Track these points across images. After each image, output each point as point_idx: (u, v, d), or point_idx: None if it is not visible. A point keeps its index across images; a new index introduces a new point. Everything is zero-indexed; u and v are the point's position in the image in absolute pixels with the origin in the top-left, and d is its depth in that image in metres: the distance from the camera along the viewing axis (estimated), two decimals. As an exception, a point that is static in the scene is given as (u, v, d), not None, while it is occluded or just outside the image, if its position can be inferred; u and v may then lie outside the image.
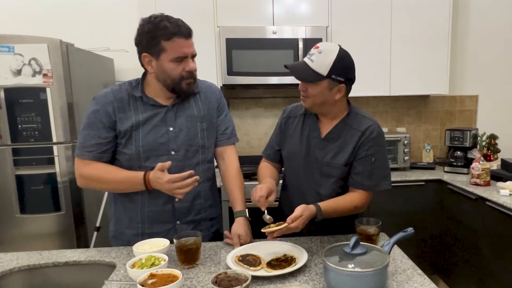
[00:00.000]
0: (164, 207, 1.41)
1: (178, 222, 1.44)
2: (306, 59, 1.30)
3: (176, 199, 1.41)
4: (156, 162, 1.34)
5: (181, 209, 1.43)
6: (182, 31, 1.28)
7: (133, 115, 1.36)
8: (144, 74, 1.40)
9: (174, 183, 1.23)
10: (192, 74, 1.35)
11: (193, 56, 1.35)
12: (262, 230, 1.21)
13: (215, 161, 1.56)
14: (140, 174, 1.31)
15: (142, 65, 1.36)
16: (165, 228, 1.41)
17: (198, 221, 1.49)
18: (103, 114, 1.34)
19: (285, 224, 1.18)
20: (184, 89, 1.36)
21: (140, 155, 1.36)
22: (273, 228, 1.19)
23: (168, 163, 1.26)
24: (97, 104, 1.36)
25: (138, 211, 1.42)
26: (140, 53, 1.32)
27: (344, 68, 1.29)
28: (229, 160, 1.53)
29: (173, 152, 1.39)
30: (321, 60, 1.26)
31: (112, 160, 1.40)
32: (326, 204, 1.29)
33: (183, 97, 1.41)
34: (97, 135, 1.34)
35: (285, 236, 1.44)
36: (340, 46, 1.31)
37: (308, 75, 1.28)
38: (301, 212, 1.20)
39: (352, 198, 1.38)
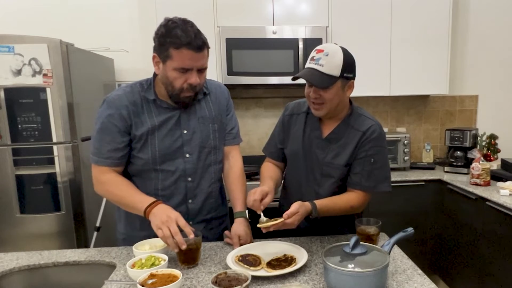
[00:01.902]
0: (178, 208, 1.40)
1: (190, 222, 1.43)
2: (313, 65, 1.27)
3: (190, 200, 1.41)
4: (171, 165, 1.36)
5: (194, 210, 1.44)
6: (193, 43, 1.22)
7: (147, 119, 1.34)
8: (155, 75, 1.38)
9: (173, 224, 1.17)
10: (193, 88, 1.30)
11: (202, 69, 1.30)
12: (258, 225, 1.21)
13: None
14: (149, 200, 1.27)
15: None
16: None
17: (209, 220, 1.50)
18: (117, 118, 1.31)
19: (281, 220, 1.18)
20: (181, 100, 1.33)
21: (156, 160, 1.36)
22: (269, 223, 1.19)
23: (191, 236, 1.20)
24: (110, 108, 1.32)
25: None
26: (153, 51, 1.30)
27: (351, 64, 1.30)
28: (233, 160, 1.54)
29: (187, 155, 1.39)
30: (331, 62, 1.25)
31: (127, 164, 1.40)
32: (322, 203, 1.30)
33: (180, 107, 1.38)
34: (113, 140, 1.32)
35: (285, 236, 1.45)
36: (337, 44, 1.31)
37: (324, 80, 1.26)
38: (298, 208, 1.20)
39: (349, 198, 1.38)
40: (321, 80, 1.26)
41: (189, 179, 1.41)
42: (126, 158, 1.37)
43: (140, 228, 1.43)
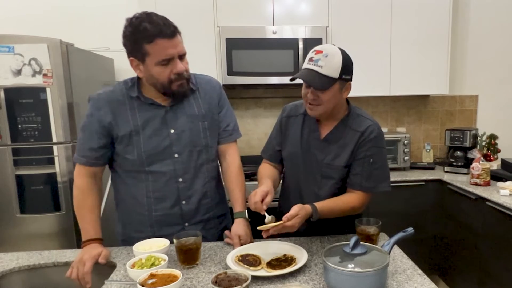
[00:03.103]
0: (172, 210, 1.40)
1: (186, 224, 1.43)
2: (312, 67, 1.25)
3: (183, 202, 1.40)
4: (161, 167, 1.34)
5: (189, 211, 1.42)
6: (164, 31, 1.18)
7: (130, 117, 1.32)
8: None
9: (79, 267, 1.22)
10: (181, 75, 1.27)
11: (182, 55, 1.27)
12: (258, 228, 1.21)
13: None
14: (87, 235, 1.33)
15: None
16: (174, 230, 1.37)
17: (207, 220, 1.48)
18: (95, 119, 1.32)
19: (281, 222, 1.18)
20: (175, 91, 1.30)
21: (143, 161, 1.34)
22: (268, 225, 1.19)
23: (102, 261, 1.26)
24: (91, 108, 1.34)
25: (146, 215, 1.40)
26: (128, 56, 1.27)
27: (350, 66, 1.29)
28: (231, 158, 1.51)
29: (176, 155, 1.37)
30: (330, 63, 1.24)
31: (118, 165, 1.40)
32: (323, 205, 1.29)
33: (178, 99, 1.36)
34: (90, 140, 1.33)
35: (284, 236, 1.45)
36: (335, 45, 1.31)
37: (323, 82, 1.25)
38: (298, 211, 1.20)
39: (350, 199, 1.37)
40: (320, 82, 1.25)
41: (180, 179, 1.38)
42: (103, 161, 1.38)
43: (137, 230, 1.42)
